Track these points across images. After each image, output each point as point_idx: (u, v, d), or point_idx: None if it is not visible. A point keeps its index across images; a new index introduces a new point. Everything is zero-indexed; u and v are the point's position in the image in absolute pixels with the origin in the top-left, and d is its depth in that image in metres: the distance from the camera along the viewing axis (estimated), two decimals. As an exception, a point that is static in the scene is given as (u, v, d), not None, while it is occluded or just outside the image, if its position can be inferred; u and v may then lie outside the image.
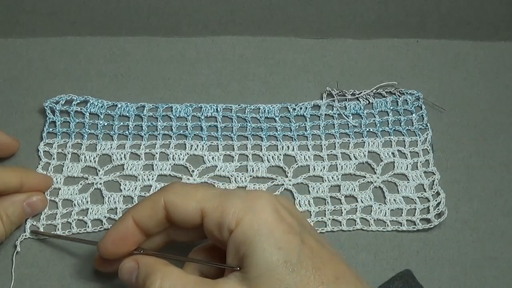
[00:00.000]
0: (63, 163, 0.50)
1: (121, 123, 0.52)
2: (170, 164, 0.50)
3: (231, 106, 0.53)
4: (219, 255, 0.40)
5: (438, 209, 0.49)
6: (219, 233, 0.37)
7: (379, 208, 0.49)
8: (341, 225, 0.48)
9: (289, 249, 0.36)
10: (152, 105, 0.53)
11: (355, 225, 0.48)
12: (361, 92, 0.54)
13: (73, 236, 0.47)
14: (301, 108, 0.53)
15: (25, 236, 0.46)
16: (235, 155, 0.51)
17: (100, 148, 0.51)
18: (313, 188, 0.50)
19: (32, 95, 0.53)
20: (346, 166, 0.51)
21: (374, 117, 0.53)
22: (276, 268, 0.35)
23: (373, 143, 0.52)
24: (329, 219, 0.48)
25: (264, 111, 0.53)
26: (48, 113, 0.51)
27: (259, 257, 0.35)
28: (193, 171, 0.50)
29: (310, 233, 0.38)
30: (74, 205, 0.48)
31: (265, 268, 0.35)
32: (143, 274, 0.39)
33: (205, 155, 0.51)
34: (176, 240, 0.42)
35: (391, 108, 0.54)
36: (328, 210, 0.49)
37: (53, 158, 0.50)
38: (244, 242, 0.36)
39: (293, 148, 0.52)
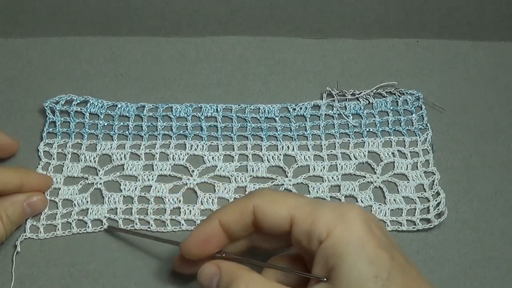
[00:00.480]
0: (63, 163, 0.50)
1: (121, 123, 0.52)
2: (170, 164, 0.50)
3: (231, 106, 0.53)
4: (299, 264, 0.40)
5: (438, 209, 0.49)
6: (307, 243, 0.37)
7: (379, 208, 0.49)
8: (341, 225, 0.48)
9: (380, 264, 0.35)
10: (152, 105, 0.53)
11: (355, 225, 0.48)
12: (361, 92, 0.54)
13: (152, 234, 0.46)
14: (301, 108, 0.53)
15: (25, 236, 0.46)
16: (235, 155, 0.51)
17: (100, 148, 0.51)
18: (313, 188, 0.50)
19: (32, 95, 0.53)
20: (346, 166, 0.51)
21: (374, 117, 0.53)
22: (366, 283, 0.34)
23: (373, 143, 0.52)
24: (329, 219, 0.48)
25: (264, 111, 0.53)
26: (48, 113, 0.51)
27: (349, 269, 0.35)
28: (193, 171, 0.50)
29: (398, 250, 0.38)
30: (74, 205, 0.48)
31: (354, 281, 0.35)
32: (226, 280, 0.38)
33: (205, 155, 0.51)
34: (257, 246, 0.41)
35: (391, 108, 0.54)
36: (328, 210, 0.49)
37: (53, 158, 0.50)
38: (334, 253, 0.35)
39: (293, 148, 0.52)
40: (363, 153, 0.52)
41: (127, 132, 0.52)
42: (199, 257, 0.40)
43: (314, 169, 0.51)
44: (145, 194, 0.49)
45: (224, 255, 0.40)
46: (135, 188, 0.49)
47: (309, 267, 0.38)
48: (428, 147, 0.52)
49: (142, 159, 0.51)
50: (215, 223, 0.39)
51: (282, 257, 0.41)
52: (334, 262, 0.35)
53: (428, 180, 0.50)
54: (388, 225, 0.48)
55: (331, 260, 0.36)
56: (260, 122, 0.53)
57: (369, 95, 0.54)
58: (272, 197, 0.39)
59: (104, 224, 0.47)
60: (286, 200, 0.38)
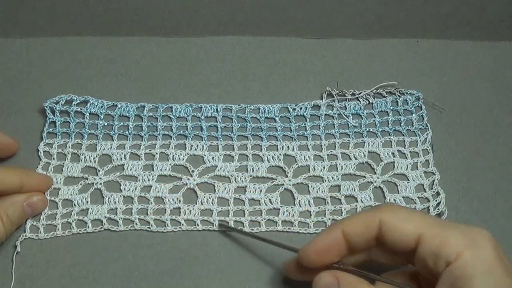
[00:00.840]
0: (63, 163, 0.50)
1: (121, 123, 0.52)
2: (170, 164, 0.50)
3: (231, 106, 0.53)
4: (414, 283, 0.39)
5: (438, 209, 0.49)
6: (433, 263, 0.36)
7: (379, 208, 0.49)
8: (341, 225, 0.48)
9: None
10: (152, 105, 0.53)
11: (355, 225, 0.48)
12: (361, 92, 0.54)
13: (270, 239, 0.45)
14: (301, 108, 0.53)
15: (25, 236, 0.46)
16: (235, 155, 0.51)
17: (100, 148, 0.51)
18: (313, 188, 0.50)
19: (32, 95, 0.53)
20: (346, 166, 0.51)
21: (374, 117, 0.53)
22: None
23: (373, 143, 0.52)
24: (329, 219, 0.48)
25: (264, 111, 0.53)
26: (48, 113, 0.51)
27: None
28: (193, 171, 0.50)
29: None
30: (74, 205, 0.48)
31: None
32: None
33: (205, 155, 0.51)
34: (376, 261, 0.41)
35: (391, 108, 0.54)
36: (328, 210, 0.49)
37: (53, 158, 0.50)
38: (461, 277, 0.35)
39: (293, 148, 0.52)
40: (363, 153, 0.52)
41: (127, 132, 0.52)
42: (317, 265, 0.40)
43: (314, 169, 0.51)
44: (145, 194, 0.49)
45: (341, 265, 0.40)
46: (135, 188, 0.49)
47: (425, 287, 0.38)
48: (428, 147, 0.52)
49: (142, 159, 0.51)
50: (338, 232, 0.39)
51: (397, 274, 0.41)
52: (461, 285, 0.35)
53: (428, 180, 0.50)
54: (388, 225, 0.48)
55: (457, 283, 0.35)
56: (260, 122, 0.53)
57: (369, 95, 0.54)
58: (401, 213, 0.38)
59: (215, 221, 0.48)
60: (414, 218, 0.38)
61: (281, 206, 0.49)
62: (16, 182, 0.45)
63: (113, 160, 0.50)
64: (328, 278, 0.39)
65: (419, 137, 0.52)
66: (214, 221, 0.48)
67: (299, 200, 0.49)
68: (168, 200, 0.49)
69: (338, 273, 0.39)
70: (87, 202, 0.48)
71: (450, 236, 0.36)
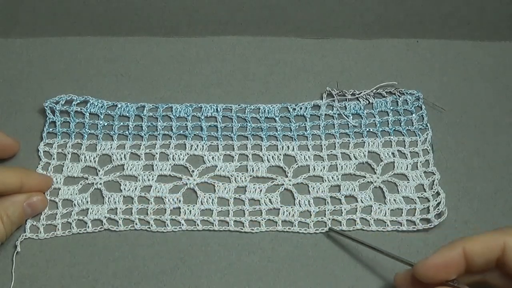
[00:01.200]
0: (63, 163, 0.50)
1: (121, 123, 0.52)
2: (170, 164, 0.50)
3: (231, 106, 0.53)
4: None
5: (438, 209, 0.49)
6: None
7: (379, 208, 0.49)
8: (341, 225, 0.48)
9: None
10: (152, 105, 0.53)
11: (355, 225, 0.48)
12: (361, 92, 0.54)
13: (384, 250, 0.45)
14: (301, 108, 0.53)
15: (25, 236, 0.46)
16: (235, 155, 0.51)
17: (100, 148, 0.51)
18: (313, 188, 0.50)
19: (32, 95, 0.53)
20: (346, 166, 0.51)
21: (374, 117, 0.53)
22: None
23: (373, 143, 0.52)
24: (329, 219, 0.48)
25: (264, 111, 0.53)
26: (48, 113, 0.52)
27: None
28: (193, 171, 0.50)
29: None
30: (74, 205, 0.48)
31: None
32: None
33: (205, 155, 0.51)
34: (490, 283, 0.40)
35: (391, 108, 0.54)
36: (328, 210, 0.49)
37: (53, 158, 0.50)
38: None
39: (293, 148, 0.52)
40: (363, 153, 0.52)
41: (127, 132, 0.52)
42: (433, 281, 0.39)
43: (314, 169, 0.51)
44: (145, 194, 0.49)
45: (456, 284, 0.39)
46: (135, 188, 0.49)
47: None
48: (428, 147, 0.52)
49: (142, 159, 0.51)
50: (459, 250, 0.39)
51: None
52: None
53: (428, 180, 0.50)
54: (388, 225, 0.48)
55: None
56: (260, 122, 0.53)
57: (369, 95, 0.54)
58: None
59: (327, 225, 0.48)
60: None
61: (281, 206, 0.49)
62: (16, 182, 0.45)
63: (113, 160, 0.50)
64: None
65: (419, 137, 0.52)
66: (214, 221, 0.48)
67: (299, 200, 0.49)
68: (168, 200, 0.49)
69: None
70: (87, 202, 0.48)
71: None
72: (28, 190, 0.46)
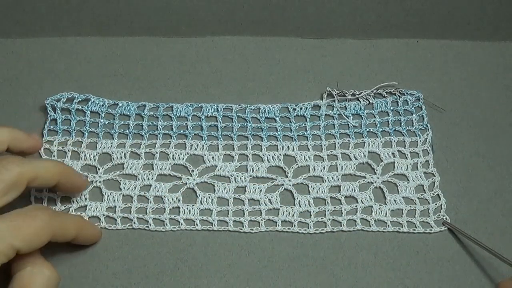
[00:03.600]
0: (63, 161, 0.50)
1: (122, 122, 0.52)
2: (170, 163, 0.50)
3: (231, 106, 0.53)
4: None
5: (439, 215, 0.49)
6: None
7: (379, 208, 0.49)
8: (341, 226, 0.48)
9: None
10: (153, 105, 0.53)
11: (355, 225, 0.48)
12: (361, 92, 0.54)
13: (497, 252, 0.45)
14: (301, 108, 0.53)
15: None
16: (235, 155, 0.51)
17: (100, 147, 0.51)
18: (313, 189, 0.50)
19: (32, 96, 0.53)
20: (346, 166, 0.51)
21: (374, 117, 0.53)
22: None
23: (373, 143, 0.52)
24: (329, 219, 0.48)
25: (264, 111, 0.53)
26: (50, 111, 0.52)
27: None
28: (193, 170, 0.50)
29: None
30: (73, 202, 0.48)
31: None
32: None
33: (205, 155, 0.51)
34: None
35: (391, 108, 0.54)
36: (328, 210, 0.49)
37: (54, 156, 0.50)
38: None
39: (293, 148, 0.52)
40: (363, 153, 0.52)
41: (127, 131, 0.52)
42: None
43: (314, 169, 0.51)
44: (144, 193, 0.49)
45: None
46: (135, 187, 0.49)
47: None
48: (428, 147, 0.52)
49: (142, 158, 0.51)
50: None
51: None
52: None
53: (428, 180, 0.50)
54: (388, 225, 0.48)
55: None
56: (260, 122, 0.53)
57: (369, 95, 0.54)
58: None
59: (445, 218, 0.48)
60: None
61: (281, 206, 0.49)
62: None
63: (113, 158, 0.50)
64: None
65: (419, 138, 0.52)
66: (213, 221, 0.48)
67: (299, 200, 0.49)
68: (168, 199, 0.49)
69: None
70: (86, 199, 0.48)
71: None
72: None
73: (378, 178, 0.50)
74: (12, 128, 0.45)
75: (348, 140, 0.52)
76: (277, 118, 0.53)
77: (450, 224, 0.48)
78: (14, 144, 0.44)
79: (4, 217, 0.39)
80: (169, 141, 0.51)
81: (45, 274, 0.40)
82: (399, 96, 0.54)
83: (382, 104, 0.54)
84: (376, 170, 0.51)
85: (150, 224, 0.48)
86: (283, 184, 0.50)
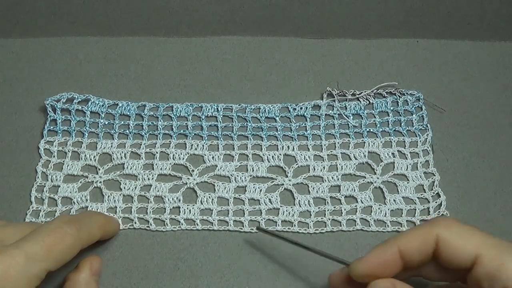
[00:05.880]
0: (63, 161, 0.50)
1: (122, 122, 0.52)
2: (170, 163, 0.50)
3: (231, 106, 0.53)
4: None
5: (439, 211, 0.49)
6: (488, 285, 0.35)
7: (379, 208, 0.49)
8: (341, 226, 0.48)
9: None
10: (153, 105, 0.53)
11: (355, 225, 0.48)
12: (362, 92, 0.54)
13: (317, 249, 0.44)
14: (301, 108, 0.53)
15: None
16: (235, 155, 0.51)
17: (101, 147, 0.51)
18: (313, 188, 0.50)
19: (32, 96, 0.53)
20: (346, 166, 0.51)
21: (374, 117, 0.53)
22: None
23: (373, 143, 0.52)
24: (329, 219, 0.48)
25: (265, 111, 0.53)
26: (49, 111, 0.52)
27: None
28: (193, 170, 0.50)
29: None
30: (74, 203, 0.48)
31: None
32: None
33: (205, 155, 0.51)
34: (426, 277, 0.40)
35: (392, 108, 0.54)
36: (328, 210, 0.49)
37: (54, 156, 0.50)
38: None
39: (293, 148, 0.52)
40: (363, 153, 0.52)
41: (127, 131, 0.52)
42: (369, 281, 0.38)
43: (314, 169, 0.51)
44: (145, 193, 0.49)
45: None
46: (135, 187, 0.49)
47: None
48: (428, 147, 0.52)
49: (142, 158, 0.51)
50: (394, 249, 0.38)
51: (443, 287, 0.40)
52: None
53: (428, 180, 0.50)
54: (388, 225, 0.48)
55: None
56: (261, 122, 0.53)
57: (370, 95, 0.54)
58: (459, 230, 0.37)
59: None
60: (473, 236, 0.36)
61: (281, 206, 0.49)
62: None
63: (113, 158, 0.50)
64: (385, 284, 0.38)
65: (419, 138, 0.52)
66: (213, 220, 0.48)
67: (299, 200, 0.49)
68: (168, 199, 0.49)
69: (396, 282, 0.38)
70: (87, 200, 0.48)
71: (510, 260, 0.35)
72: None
73: (378, 178, 0.50)
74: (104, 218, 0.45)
75: (348, 140, 0.52)
76: (277, 118, 0.53)
77: (262, 229, 0.47)
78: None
79: (35, 238, 0.38)
80: (169, 141, 0.51)
81: None
82: (399, 96, 0.54)
83: (382, 104, 0.54)
84: (376, 170, 0.51)
85: (151, 224, 0.48)
86: (283, 184, 0.50)
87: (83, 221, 0.42)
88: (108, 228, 0.45)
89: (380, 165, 0.51)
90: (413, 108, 0.54)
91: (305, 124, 0.53)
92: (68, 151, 0.51)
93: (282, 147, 0.52)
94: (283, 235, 0.45)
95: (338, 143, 0.52)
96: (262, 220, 0.48)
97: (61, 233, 0.39)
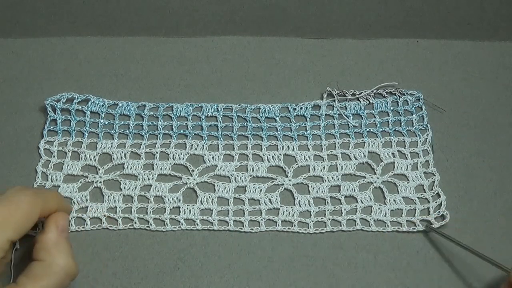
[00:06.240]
0: (63, 161, 0.50)
1: (122, 122, 0.52)
2: (170, 163, 0.50)
3: (231, 106, 0.53)
4: None
5: (439, 211, 0.49)
6: None
7: (379, 208, 0.49)
8: (341, 225, 0.48)
9: None
10: (153, 105, 0.53)
11: (355, 225, 0.48)
12: (362, 92, 0.54)
13: (481, 253, 0.44)
14: (301, 108, 0.53)
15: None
16: (235, 155, 0.51)
17: (101, 147, 0.51)
18: (313, 188, 0.50)
19: (32, 95, 0.53)
20: (346, 166, 0.51)
21: (374, 117, 0.53)
22: None
23: (373, 143, 0.52)
24: (329, 219, 0.48)
25: (265, 111, 0.53)
26: (49, 111, 0.52)
27: None
28: (193, 170, 0.50)
29: None
30: (74, 203, 0.48)
31: None
32: None
33: (205, 155, 0.51)
34: None
35: (392, 108, 0.54)
36: (328, 210, 0.49)
37: (54, 156, 0.50)
38: None
39: (293, 148, 0.52)
40: (363, 153, 0.52)
41: (127, 131, 0.52)
42: None
43: (314, 169, 0.51)
44: (145, 193, 0.49)
45: None
46: (135, 187, 0.49)
47: None
48: (428, 147, 0.52)
49: (142, 158, 0.51)
50: None
51: None
52: None
53: (428, 180, 0.50)
54: (388, 225, 0.48)
55: None
56: (261, 122, 0.53)
57: (370, 95, 0.54)
58: None
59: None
60: None
61: (281, 206, 0.49)
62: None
63: (113, 158, 0.50)
64: None
65: (419, 138, 0.52)
66: (213, 220, 0.48)
67: (299, 200, 0.49)
68: (168, 199, 0.49)
69: None
70: (87, 200, 0.48)
71: None
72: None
73: (378, 178, 0.50)
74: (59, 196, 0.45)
75: (348, 140, 0.52)
76: (277, 118, 0.53)
77: (432, 228, 0.48)
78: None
79: None
80: (169, 141, 0.51)
81: (59, 265, 0.40)
82: (399, 96, 0.54)
83: (382, 104, 0.54)
84: (376, 170, 0.51)
85: (151, 224, 0.48)
86: (283, 184, 0.50)
87: (37, 189, 0.43)
88: (62, 201, 0.44)
89: (380, 165, 0.51)
90: (413, 108, 0.54)
91: (305, 124, 0.53)
92: (68, 151, 0.51)
93: (282, 147, 0.52)
94: (454, 238, 0.46)
95: (338, 143, 0.52)
96: (262, 220, 0.48)
97: (15, 201, 0.39)
